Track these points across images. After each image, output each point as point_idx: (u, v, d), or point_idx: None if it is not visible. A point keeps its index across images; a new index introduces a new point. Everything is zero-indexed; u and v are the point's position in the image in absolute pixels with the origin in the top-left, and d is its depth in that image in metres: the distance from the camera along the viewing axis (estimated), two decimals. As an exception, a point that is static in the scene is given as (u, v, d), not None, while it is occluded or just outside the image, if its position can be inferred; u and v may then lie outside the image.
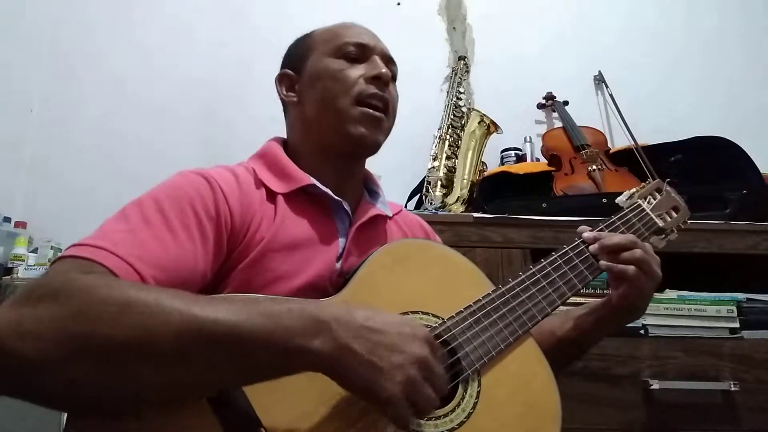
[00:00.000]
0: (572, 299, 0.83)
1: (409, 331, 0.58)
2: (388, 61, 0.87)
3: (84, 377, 0.49)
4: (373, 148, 0.85)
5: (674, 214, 0.95)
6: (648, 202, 0.94)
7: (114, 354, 0.50)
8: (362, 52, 0.85)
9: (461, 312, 0.73)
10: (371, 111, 0.82)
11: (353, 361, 0.54)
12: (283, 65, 0.92)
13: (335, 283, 0.77)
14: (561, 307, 0.81)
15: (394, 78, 0.89)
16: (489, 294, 0.76)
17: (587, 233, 0.85)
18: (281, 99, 0.91)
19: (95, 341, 0.49)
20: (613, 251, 0.82)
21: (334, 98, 0.82)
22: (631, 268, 0.80)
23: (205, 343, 0.51)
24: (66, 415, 0.55)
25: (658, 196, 0.96)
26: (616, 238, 0.83)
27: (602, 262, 0.82)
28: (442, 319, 0.72)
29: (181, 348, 0.50)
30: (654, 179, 1.01)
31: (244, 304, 0.54)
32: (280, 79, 0.90)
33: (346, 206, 0.83)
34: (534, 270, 0.80)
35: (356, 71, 0.83)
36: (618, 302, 0.83)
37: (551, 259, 0.82)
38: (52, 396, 0.51)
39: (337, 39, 0.86)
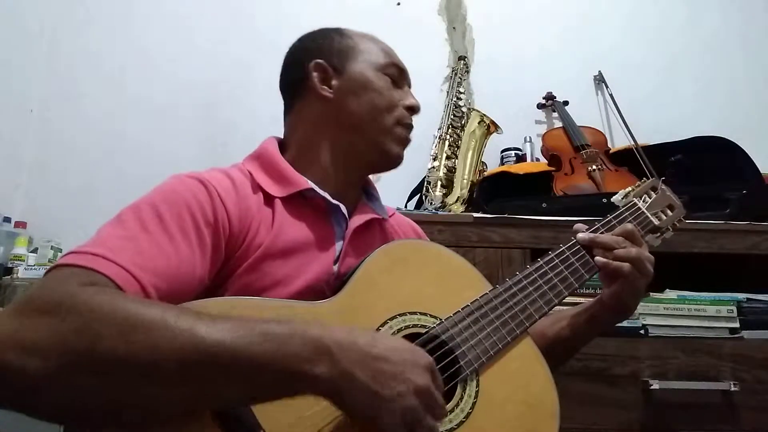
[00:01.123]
0: (568, 299, 0.83)
1: (411, 358, 0.57)
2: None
3: (84, 394, 0.49)
4: (397, 163, 0.88)
5: (669, 213, 0.96)
6: (643, 201, 0.94)
7: (115, 371, 0.49)
8: (401, 76, 0.89)
9: (458, 312, 0.73)
10: (405, 134, 0.87)
11: (355, 388, 0.53)
12: (313, 54, 0.87)
13: (333, 285, 0.76)
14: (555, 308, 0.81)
15: None
16: (486, 294, 0.76)
17: (581, 234, 0.86)
18: (311, 88, 0.85)
19: (97, 358, 0.49)
20: (609, 248, 0.83)
21: (380, 113, 0.84)
22: (626, 265, 0.81)
23: (207, 364, 0.51)
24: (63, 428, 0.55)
25: (654, 195, 0.96)
26: (608, 237, 0.84)
27: (597, 258, 0.83)
28: (440, 319, 0.72)
29: (183, 368, 0.50)
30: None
31: (247, 325, 0.54)
32: (316, 68, 0.85)
33: (344, 210, 0.83)
34: (531, 270, 0.81)
35: (398, 95, 0.87)
36: (609, 300, 0.84)
37: (548, 258, 0.83)
38: (52, 410, 0.51)
39: (384, 56, 0.88)
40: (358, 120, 0.84)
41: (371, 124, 0.84)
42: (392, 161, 0.87)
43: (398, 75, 0.88)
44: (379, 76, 0.86)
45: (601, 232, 0.87)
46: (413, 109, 0.88)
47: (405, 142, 0.87)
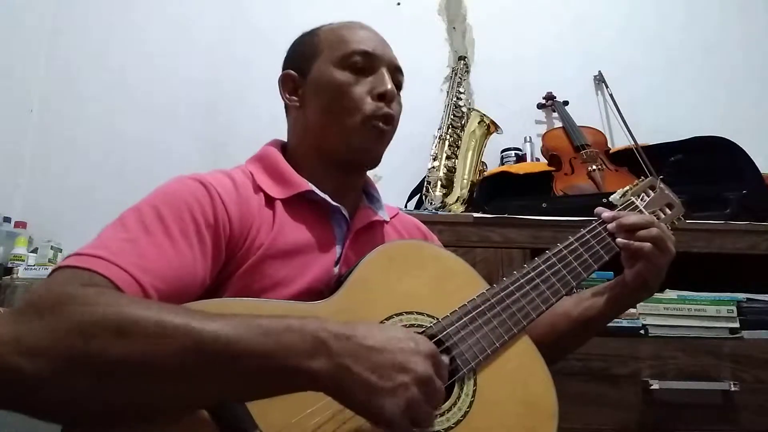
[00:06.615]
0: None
1: (412, 346, 0.56)
2: (395, 70, 0.85)
3: (82, 393, 0.49)
4: (375, 162, 0.85)
5: (668, 211, 0.96)
6: (641, 199, 0.94)
7: (113, 371, 0.49)
8: (369, 61, 0.82)
9: (455, 311, 0.73)
10: (379, 128, 0.81)
11: (352, 381, 0.53)
12: (286, 64, 0.90)
13: (333, 288, 0.76)
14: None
15: (399, 87, 0.87)
16: (483, 293, 0.76)
17: (606, 213, 0.88)
18: (283, 101, 0.89)
19: (94, 358, 0.49)
20: (630, 230, 0.84)
21: (341, 114, 0.80)
22: (647, 245, 0.82)
23: (205, 361, 0.51)
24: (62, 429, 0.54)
25: (652, 194, 0.96)
26: (633, 217, 0.86)
27: (619, 240, 0.84)
28: (437, 318, 0.72)
29: (180, 365, 0.50)
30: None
31: (244, 321, 0.53)
32: (284, 80, 0.88)
33: (344, 212, 0.83)
34: (528, 269, 0.81)
35: (363, 87, 0.81)
36: (633, 281, 0.85)
37: (545, 257, 0.83)
38: (50, 411, 0.51)
39: (343, 46, 0.83)
40: (322, 121, 0.82)
41: (335, 125, 0.81)
42: (362, 157, 0.83)
43: (364, 61, 0.82)
44: (337, 72, 0.81)
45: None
46: (385, 96, 0.81)
47: (376, 135, 0.81)
